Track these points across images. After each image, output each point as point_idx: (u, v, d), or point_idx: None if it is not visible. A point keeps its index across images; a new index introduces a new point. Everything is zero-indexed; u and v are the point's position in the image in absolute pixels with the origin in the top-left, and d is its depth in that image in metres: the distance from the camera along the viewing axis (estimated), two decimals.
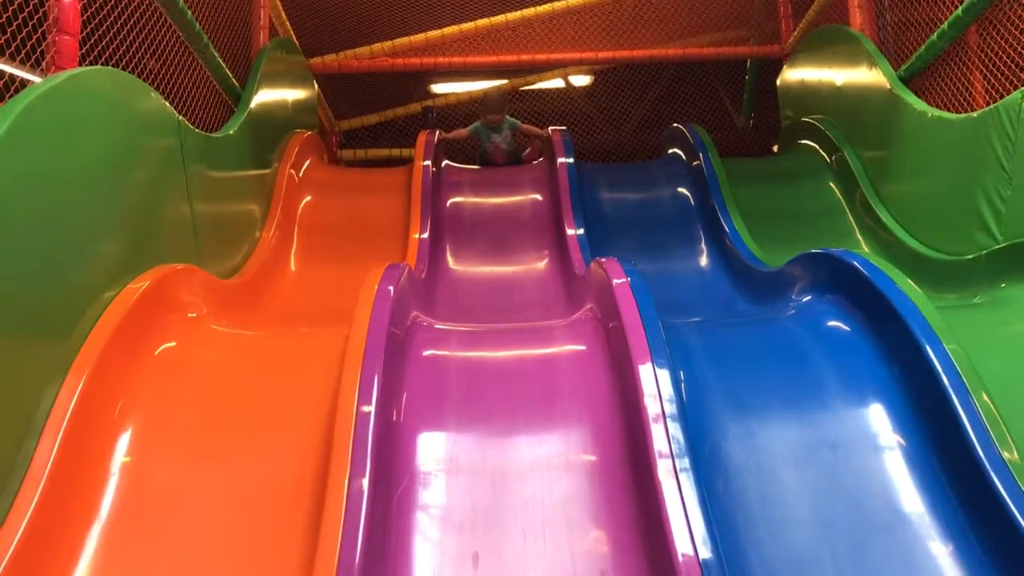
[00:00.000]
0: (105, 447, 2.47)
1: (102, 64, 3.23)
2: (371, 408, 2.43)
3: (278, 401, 2.79)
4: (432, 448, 2.61)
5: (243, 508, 2.39)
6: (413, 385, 2.81)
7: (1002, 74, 4.20)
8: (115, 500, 2.37)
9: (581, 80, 9.07)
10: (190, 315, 3.10)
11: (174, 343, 2.89)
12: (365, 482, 2.23)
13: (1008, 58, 4.17)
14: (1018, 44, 4.10)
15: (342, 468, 2.26)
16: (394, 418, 2.63)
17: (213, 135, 4.04)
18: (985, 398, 2.48)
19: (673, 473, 2.26)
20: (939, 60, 4.75)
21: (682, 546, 2.09)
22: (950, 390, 2.49)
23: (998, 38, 4.26)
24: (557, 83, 8.88)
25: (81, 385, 2.43)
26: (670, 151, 5.98)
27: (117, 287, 2.78)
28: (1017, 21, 4.08)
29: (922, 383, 2.61)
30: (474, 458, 2.59)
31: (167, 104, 3.40)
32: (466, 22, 6.70)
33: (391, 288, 2.95)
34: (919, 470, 2.50)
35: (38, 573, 2.13)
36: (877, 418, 2.66)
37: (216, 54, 4.39)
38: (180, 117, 3.52)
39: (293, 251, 4.83)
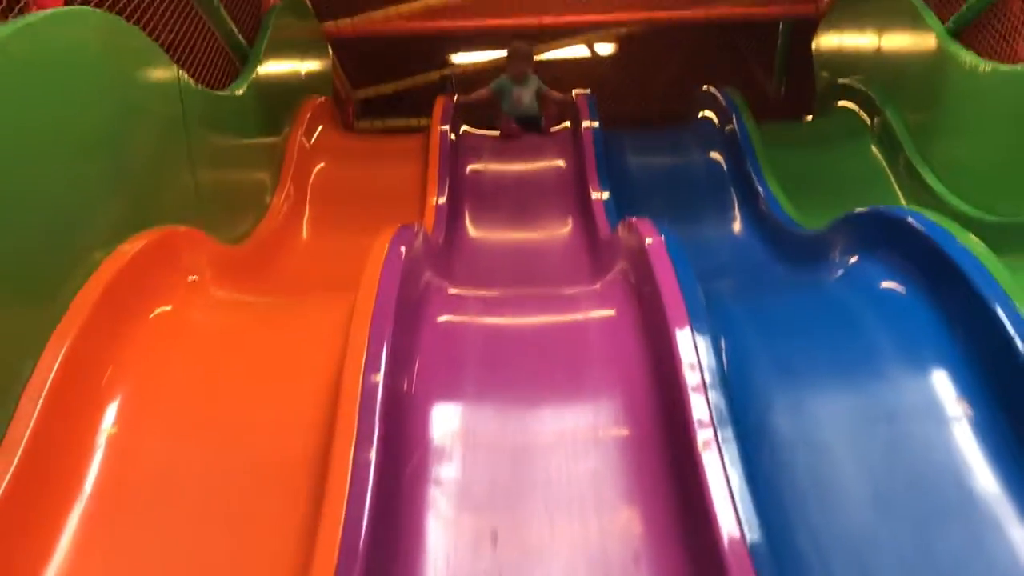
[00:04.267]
0: (91, 416, 2.26)
1: None
2: (379, 375, 2.22)
3: (282, 370, 2.57)
4: (447, 419, 2.39)
5: (240, 483, 2.18)
6: (427, 352, 2.59)
7: None
8: (100, 474, 2.16)
9: (605, 48, 8.78)
10: (191, 278, 2.88)
11: (170, 307, 2.68)
12: (372, 452, 2.01)
13: None
14: None
15: (347, 438, 2.05)
16: (405, 387, 2.41)
17: (217, 92, 3.83)
18: None
19: (716, 446, 2.02)
20: (988, 11, 4.44)
21: (727, 527, 1.85)
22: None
23: None
24: (581, 51, 8.58)
25: (64, 350, 2.21)
26: (700, 115, 5.69)
27: (109, 249, 2.56)
28: None
29: (992, 348, 2.33)
30: (494, 430, 2.36)
31: (164, 53, 3.17)
32: None
33: (403, 249, 2.72)
34: (991, 444, 2.23)
35: (16, 549, 1.93)
36: (941, 387, 2.39)
37: (220, 6, 4.15)
38: (180, 69, 3.29)
39: (305, 219, 4.61)
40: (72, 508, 2.09)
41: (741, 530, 1.86)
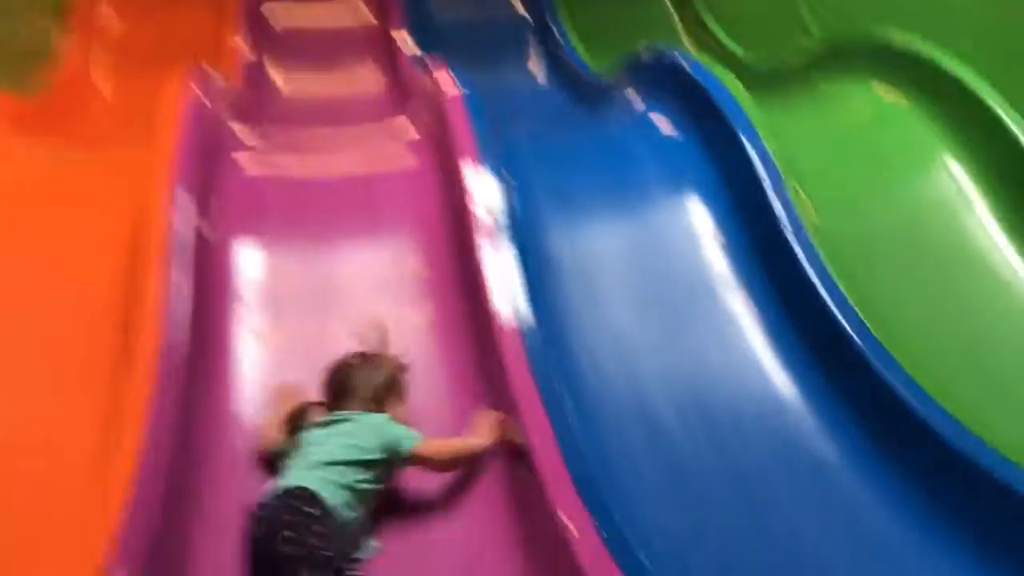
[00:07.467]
0: None
1: None
2: (184, 216, 2.30)
3: (76, 225, 2.56)
4: (252, 264, 2.50)
5: (46, 327, 2.21)
6: (227, 199, 2.64)
7: None
8: None
9: None
10: None
11: None
12: (185, 284, 2.14)
13: None
14: None
15: (154, 272, 2.14)
16: (209, 232, 2.48)
17: None
18: (793, 183, 2.61)
19: (494, 243, 2.35)
20: None
21: (502, 309, 2.17)
22: (764, 177, 2.60)
23: None
24: None
25: None
26: None
27: None
28: None
29: (741, 175, 2.70)
30: (299, 270, 2.51)
31: None
32: None
33: (199, 94, 2.75)
34: (735, 258, 2.61)
35: None
36: (697, 211, 2.75)
37: None
38: None
39: (97, 68, 4.35)
40: None
41: (516, 317, 2.17)
